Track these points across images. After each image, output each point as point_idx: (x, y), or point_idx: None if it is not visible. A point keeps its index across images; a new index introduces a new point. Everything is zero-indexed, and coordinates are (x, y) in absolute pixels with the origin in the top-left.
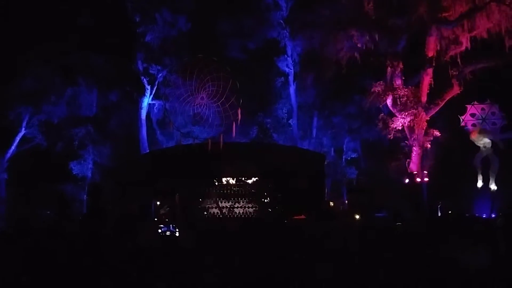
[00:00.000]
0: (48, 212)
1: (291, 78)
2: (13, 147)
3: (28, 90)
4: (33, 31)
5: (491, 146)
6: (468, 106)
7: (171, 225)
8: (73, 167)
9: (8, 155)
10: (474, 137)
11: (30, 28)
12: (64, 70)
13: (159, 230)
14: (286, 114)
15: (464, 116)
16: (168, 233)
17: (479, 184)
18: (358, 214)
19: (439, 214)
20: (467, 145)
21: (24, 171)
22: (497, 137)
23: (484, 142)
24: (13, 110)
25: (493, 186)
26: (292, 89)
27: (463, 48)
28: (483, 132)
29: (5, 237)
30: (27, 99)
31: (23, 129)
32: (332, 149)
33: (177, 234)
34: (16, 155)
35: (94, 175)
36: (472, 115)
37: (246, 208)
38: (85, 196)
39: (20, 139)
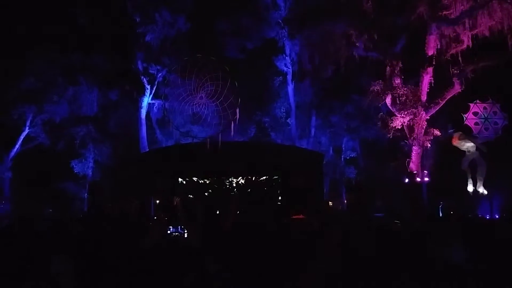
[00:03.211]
0: (50, 210)
1: (289, 77)
2: (17, 146)
3: (31, 90)
4: (35, 30)
5: (476, 149)
6: (471, 105)
7: (179, 226)
8: (74, 166)
9: (12, 154)
10: (456, 143)
11: (31, 27)
12: (65, 69)
13: (168, 231)
14: (284, 113)
15: (467, 114)
16: (176, 234)
17: (470, 188)
18: (357, 214)
19: (441, 215)
20: None
21: (28, 170)
22: (477, 141)
23: (467, 146)
24: (16, 109)
25: (481, 190)
26: (290, 88)
27: (464, 46)
28: (462, 137)
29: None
30: (30, 99)
31: (27, 128)
32: (331, 148)
33: (185, 235)
34: (20, 154)
35: (94, 174)
36: (475, 113)
37: (256, 209)
38: (86, 194)
39: (24, 138)
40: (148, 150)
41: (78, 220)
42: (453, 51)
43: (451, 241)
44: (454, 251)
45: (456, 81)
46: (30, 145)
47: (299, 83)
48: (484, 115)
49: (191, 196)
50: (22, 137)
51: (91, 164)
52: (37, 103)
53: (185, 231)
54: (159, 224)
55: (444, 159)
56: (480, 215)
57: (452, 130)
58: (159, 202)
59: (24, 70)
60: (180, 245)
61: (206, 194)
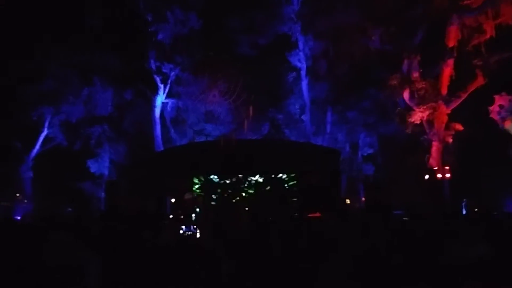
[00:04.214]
0: (70, 209)
1: (303, 73)
2: (37, 147)
3: (49, 91)
4: (49, 32)
5: None
6: (497, 97)
7: (191, 226)
8: (90, 165)
9: (33, 154)
10: (508, 126)
11: (46, 29)
12: (79, 70)
13: (181, 231)
14: (298, 110)
15: (492, 107)
16: (189, 233)
17: None
18: (375, 212)
19: (464, 212)
20: (494, 138)
21: (48, 170)
22: None
23: None
24: (36, 111)
25: None
26: (304, 84)
27: (488, 36)
28: None
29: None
30: (48, 100)
31: (46, 129)
32: (347, 145)
33: (197, 235)
34: (40, 154)
35: (110, 173)
36: (501, 106)
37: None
38: (102, 193)
39: (43, 139)
40: (162, 149)
41: (96, 219)
42: (475, 41)
43: (475, 240)
44: (477, 250)
45: (479, 73)
46: (49, 145)
47: (314, 78)
48: (510, 108)
49: (207, 194)
50: (41, 138)
51: (107, 164)
52: (55, 104)
53: (198, 231)
54: (174, 223)
55: (468, 154)
56: (507, 212)
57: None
58: (174, 201)
59: (42, 71)
60: (193, 244)
61: (221, 192)
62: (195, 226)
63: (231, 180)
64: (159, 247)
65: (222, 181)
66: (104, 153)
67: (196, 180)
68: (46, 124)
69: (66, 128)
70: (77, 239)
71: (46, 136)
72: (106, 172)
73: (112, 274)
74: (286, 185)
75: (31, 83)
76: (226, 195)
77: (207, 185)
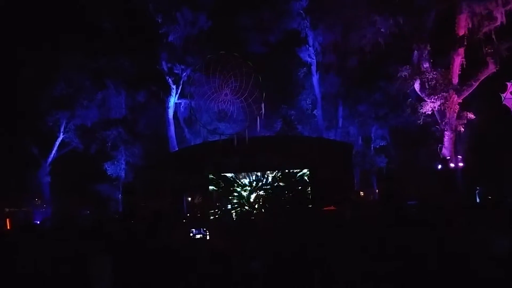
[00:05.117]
0: (88, 212)
1: (313, 68)
2: (53, 152)
3: (63, 96)
4: (61, 37)
5: None
6: (509, 84)
7: (201, 228)
8: (107, 168)
9: (50, 159)
10: None
11: (58, 34)
12: (92, 74)
13: (191, 234)
14: (310, 105)
15: (505, 94)
16: (198, 236)
17: None
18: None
19: (478, 201)
20: (507, 126)
21: (65, 174)
22: None
23: None
24: (51, 116)
25: None
26: (315, 79)
27: (498, 23)
28: None
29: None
30: (63, 105)
31: (61, 134)
32: (360, 137)
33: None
34: (57, 159)
35: (127, 175)
36: None
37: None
38: (120, 195)
39: (59, 144)
40: (177, 149)
41: (113, 221)
42: (486, 29)
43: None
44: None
45: (490, 60)
46: (65, 150)
47: (324, 73)
48: None
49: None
50: (57, 143)
51: (123, 166)
52: (69, 109)
53: (208, 233)
54: (185, 225)
55: (481, 143)
56: None
57: None
58: (191, 200)
59: (55, 77)
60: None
61: (239, 190)
62: (205, 229)
63: (246, 177)
64: (171, 249)
65: (238, 179)
66: (120, 155)
67: (212, 179)
68: (62, 128)
69: (81, 132)
70: (92, 242)
71: (62, 141)
72: (122, 174)
73: (125, 277)
74: (301, 179)
75: (45, 89)
76: (243, 192)
77: (223, 183)
